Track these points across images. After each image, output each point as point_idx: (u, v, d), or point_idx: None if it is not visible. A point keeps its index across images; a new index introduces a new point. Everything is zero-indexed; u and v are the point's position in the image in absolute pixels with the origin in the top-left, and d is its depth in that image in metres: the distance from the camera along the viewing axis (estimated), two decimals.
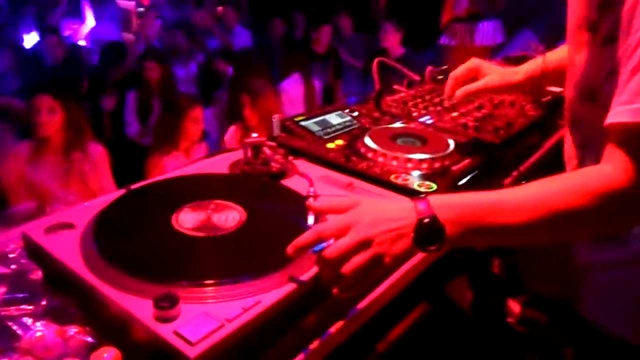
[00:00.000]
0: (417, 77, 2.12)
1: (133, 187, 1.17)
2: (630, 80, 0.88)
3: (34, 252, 1.02)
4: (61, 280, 0.95)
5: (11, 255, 1.10)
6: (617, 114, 0.89)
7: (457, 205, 0.90)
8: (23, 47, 5.50)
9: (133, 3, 8.83)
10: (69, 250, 0.96)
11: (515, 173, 1.51)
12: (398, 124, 1.61)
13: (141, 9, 9.03)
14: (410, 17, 4.91)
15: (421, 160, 1.32)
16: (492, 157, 1.43)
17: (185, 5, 7.64)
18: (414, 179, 1.25)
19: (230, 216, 1.03)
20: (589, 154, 1.11)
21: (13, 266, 1.08)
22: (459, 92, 1.42)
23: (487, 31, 4.31)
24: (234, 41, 5.87)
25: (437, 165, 1.33)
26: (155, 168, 2.98)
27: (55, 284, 0.98)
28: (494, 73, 1.47)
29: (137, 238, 0.98)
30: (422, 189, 1.21)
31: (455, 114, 1.74)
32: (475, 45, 4.28)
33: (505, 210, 0.89)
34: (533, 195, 0.90)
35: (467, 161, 1.36)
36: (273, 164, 1.24)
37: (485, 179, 1.39)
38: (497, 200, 0.91)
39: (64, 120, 2.74)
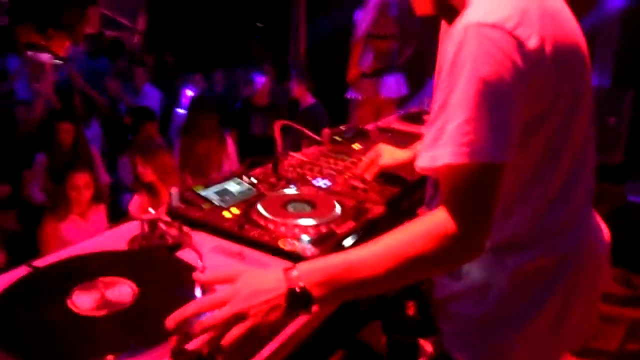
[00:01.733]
0: (318, 138, 2.29)
1: (33, 265, 1.22)
2: (427, 133, 1.10)
3: None
4: None
5: None
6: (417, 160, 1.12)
7: (321, 269, 1.04)
8: None
9: (48, 55, 8.72)
10: None
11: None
12: (292, 189, 1.73)
13: (58, 62, 8.94)
14: (319, 70, 5.18)
15: (308, 226, 1.44)
16: (375, 219, 1.58)
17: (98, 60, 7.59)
18: (302, 244, 1.37)
19: (123, 292, 1.10)
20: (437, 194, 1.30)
21: None
22: (367, 175, 1.81)
23: (391, 84, 4.60)
24: (143, 102, 5.78)
25: (323, 229, 1.45)
26: (52, 235, 2.98)
27: None
28: (387, 154, 1.79)
29: (35, 325, 1.03)
30: (308, 254, 1.33)
31: (348, 175, 1.89)
32: (381, 97, 4.56)
33: (363, 265, 1.04)
34: (385, 247, 1.06)
35: (350, 224, 1.50)
36: (168, 238, 1.33)
37: (371, 238, 1.53)
38: (355, 258, 1.06)
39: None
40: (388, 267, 1.03)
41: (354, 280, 1.03)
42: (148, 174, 3.34)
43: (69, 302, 1.07)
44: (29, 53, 8.84)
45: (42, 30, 9.29)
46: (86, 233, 3.09)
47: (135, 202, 2.19)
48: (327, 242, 1.39)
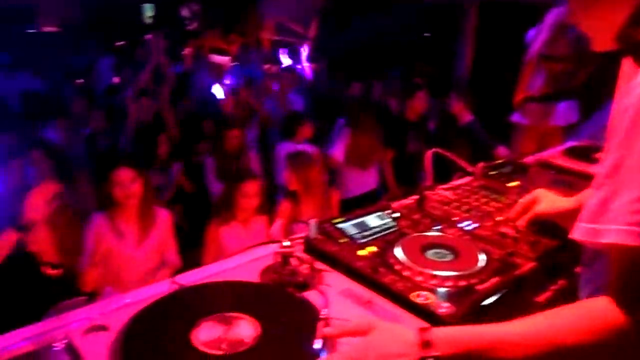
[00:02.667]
0: (470, 169, 2.15)
1: (176, 282, 1.29)
2: (591, 198, 0.95)
3: (75, 351, 1.14)
4: None
5: (57, 347, 1.22)
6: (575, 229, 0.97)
7: (461, 341, 0.95)
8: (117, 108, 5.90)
9: (227, 58, 9.43)
10: (98, 357, 1.07)
11: (553, 288, 1.49)
12: (435, 231, 1.63)
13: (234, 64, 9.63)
14: (483, 88, 4.92)
15: (446, 278, 1.34)
16: (523, 276, 1.42)
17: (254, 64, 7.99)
18: (436, 298, 1.27)
19: (245, 331, 1.10)
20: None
21: (66, 357, 1.20)
22: (520, 222, 1.61)
23: (561, 111, 4.22)
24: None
25: (462, 283, 1.34)
26: (212, 238, 3.13)
27: None
28: (545, 201, 1.58)
29: (158, 355, 1.06)
30: (442, 311, 1.23)
31: (499, 218, 1.74)
32: (548, 125, 4.20)
33: (510, 347, 0.94)
34: (538, 330, 0.94)
35: (494, 280, 1.37)
36: (299, 275, 1.31)
37: (516, 297, 1.38)
38: (501, 335, 0.95)
39: (142, 188, 2.96)
40: (536, 354, 0.92)
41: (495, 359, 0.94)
42: (293, 182, 3.41)
43: (192, 334, 1.09)
44: (211, 56, 9.63)
45: (226, 35, 10.03)
46: (244, 241, 3.20)
47: (276, 226, 2.23)
48: (465, 300, 1.28)
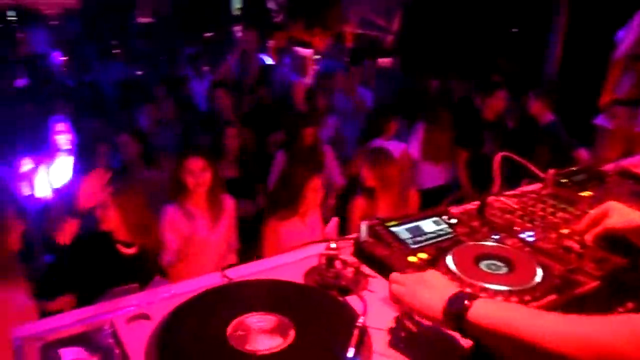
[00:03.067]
0: (542, 175, 2.04)
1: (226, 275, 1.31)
2: None
3: (117, 337, 1.18)
4: None
5: (105, 331, 1.27)
6: None
7: (498, 306, 1.04)
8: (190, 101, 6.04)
9: (310, 51, 9.52)
10: (138, 345, 1.10)
11: (619, 310, 1.39)
12: (492, 241, 1.55)
13: (317, 57, 9.72)
14: (568, 88, 4.65)
15: (497, 292, 1.27)
16: (584, 295, 1.33)
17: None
18: None
19: (279, 334, 1.09)
20: None
21: (110, 340, 1.25)
22: (588, 237, 1.50)
23: None
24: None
25: (514, 299, 1.26)
26: (271, 235, 3.15)
27: None
28: (617, 214, 1.47)
29: (193, 349, 1.07)
30: None
31: (565, 231, 1.64)
32: (635, 130, 3.90)
33: (539, 336, 0.91)
34: (576, 332, 0.90)
35: (550, 298, 1.28)
36: (342, 279, 1.29)
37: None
38: (537, 322, 0.94)
39: (211, 177, 3.05)
40: (562, 351, 0.88)
41: (518, 338, 0.93)
42: (370, 179, 3.37)
43: (229, 330, 1.09)
44: (295, 48, 9.74)
45: (310, 28, 10.16)
46: (304, 236, 3.22)
47: (332, 224, 2.20)
48: None
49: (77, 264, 2.50)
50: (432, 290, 1.09)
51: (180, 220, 3.00)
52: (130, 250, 2.68)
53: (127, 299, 1.33)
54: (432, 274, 1.17)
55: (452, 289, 1.09)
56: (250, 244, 3.32)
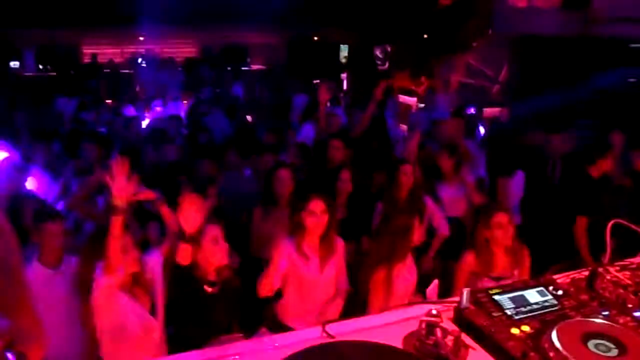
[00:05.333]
0: None
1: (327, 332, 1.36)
2: None
3: None
4: None
5: None
6: None
7: None
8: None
9: (414, 99, 9.59)
10: None
11: None
12: (602, 318, 1.48)
13: (421, 105, 9.76)
14: None
15: None
16: None
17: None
18: None
19: None
20: None
21: None
22: None
23: None
24: None
25: None
26: (383, 282, 3.15)
27: None
28: None
29: None
30: None
31: None
32: None
33: None
34: None
35: None
36: (442, 348, 1.29)
37: None
38: None
39: (328, 220, 3.15)
40: None
41: None
42: (483, 233, 3.27)
43: None
44: (400, 96, 9.84)
45: (416, 77, 10.23)
46: (404, 279, 3.22)
47: (434, 287, 2.15)
48: None
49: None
50: None
51: (293, 255, 3.11)
52: (213, 289, 2.84)
53: (233, 347, 1.42)
54: None
55: None
56: (352, 287, 3.35)
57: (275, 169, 4.11)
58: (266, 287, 2.92)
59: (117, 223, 2.42)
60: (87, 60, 12.93)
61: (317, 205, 3.11)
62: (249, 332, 2.59)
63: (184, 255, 2.66)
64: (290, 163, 4.77)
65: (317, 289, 3.17)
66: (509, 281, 3.08)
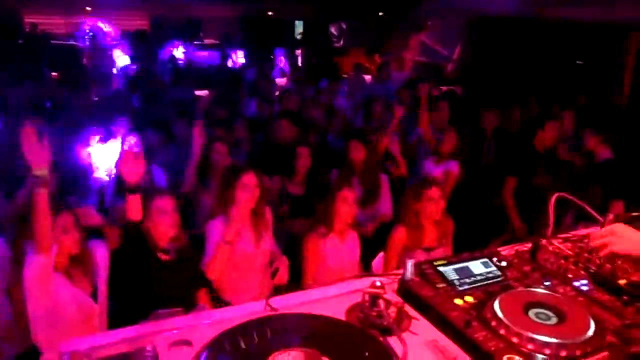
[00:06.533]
0: (600, 219, 1.96)
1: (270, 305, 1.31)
2: None
3: None
4: None
5: (147, 353, 1.29)
6: None
7: None
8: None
9: (369, 77, 9.57)
10: None
11: None
12: (543, 288, 1.50)
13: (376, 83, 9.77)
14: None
15: (546, 344, 1.22)
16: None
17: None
18: None
19: None
20: None
21: None
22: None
23: None
24: None
25: (563, 353, 1.21)
26: (313, 251, 3.16)
27: None
28: (621, 240, 1.48)
29: None
30: None
31: (622, 281, 1.56)
32: None
33: None
34: None
35: (602, 355, 1.22)
36: (384, 320, 1.27)
37: None
38: None
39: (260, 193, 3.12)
40: None
41: None
42: (414, 206, 3.28)
43: None
44: (353, 73, 9.79)
45: (370, 54, 10.22)
46: (341, 255, 3.22)
47: (379, 260, 2.17)
48: None
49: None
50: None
51: (227, 232, 3.04)
52: (167, 257, 2.77)
53: (171, 322, 1.36)
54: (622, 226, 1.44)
55: None
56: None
57: (212, 143, 4.02)
58: (215, 270, 2.88)
59: (40, 196, 2.22)
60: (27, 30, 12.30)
61: (249, 179, 3.07)
62: (189, 306, 2.51)
63: (133, 208, 2.55)
64: (236, 138, 4.69)
65: (254, 264, 3.12)
66: (438, 251, 3.20)
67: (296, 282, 3.19)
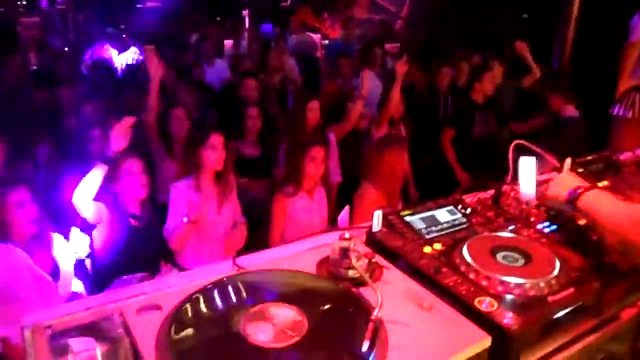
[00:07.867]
0: (556, 164, 1.99)
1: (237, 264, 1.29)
2: None
3: (127, 327, 1.16)
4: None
5: (115, 320, 1.24)
6: None
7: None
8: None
9: (318, 36, 9.45)
10: (148, 335, 1.08)
11: None
12: (508, 232, 1.52)
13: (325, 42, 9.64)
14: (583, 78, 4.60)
15: (515, 285, 1.24)
16: (604, 286, 1.29)
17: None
18: (501, 306, 1.18)
19: (291, 327, 1.07)
20: None
21: (120, 330, 1.22)
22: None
23: None
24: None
25: (531, 292, 1.23)
26: (280, 211, 3.15)
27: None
28: (553, 185, 1.55)
29: (204, 341, 1.05)
30: (506, 321, 1.14)
31: (582, 222, 1.60)
32: None
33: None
34: None
35: (569, 291, 1.25)
36: (357, 272, 1.26)
37: (594, 312, 1.27)
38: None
39: (226, 156, 3.05)
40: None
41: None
42: (378, 166, 3.32)
43: (240, 322, 1.07)
44: (302, 33, 9.63)
45: (318, 13, 10.04)
46: (310, 212, 3.22)
47: (345, 214, 2.18)
48: (533, 311, 1.18)
49: None
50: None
51: (192, 197, 2.98)
52: (137, 223, 2.73)
53: (137, 288, 1.31)
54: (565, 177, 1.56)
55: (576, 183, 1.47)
56: (265, 224, 3.30)
57: (170, 109, 3.90)
58: (178, 241, 2.84)
59: None
60: None
61: (217, 140, 3.02)
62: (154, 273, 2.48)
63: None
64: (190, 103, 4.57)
65: (216, 229, 3.08)
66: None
67: (258, 246, 3.17)
